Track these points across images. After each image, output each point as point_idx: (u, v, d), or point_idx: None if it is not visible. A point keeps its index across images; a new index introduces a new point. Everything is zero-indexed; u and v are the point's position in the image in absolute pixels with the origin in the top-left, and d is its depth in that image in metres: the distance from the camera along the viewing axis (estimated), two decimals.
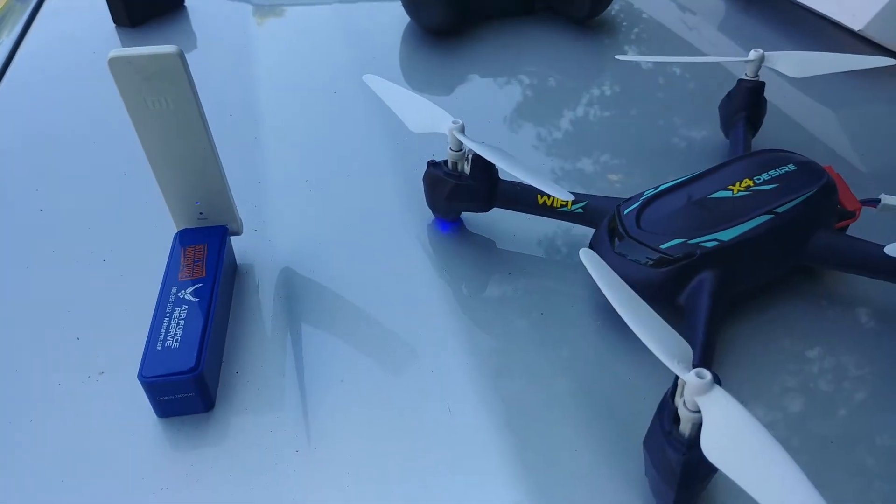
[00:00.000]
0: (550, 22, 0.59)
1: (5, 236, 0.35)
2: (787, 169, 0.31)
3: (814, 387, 0.27)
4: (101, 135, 0.43)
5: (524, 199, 0.33)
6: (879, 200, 0.33)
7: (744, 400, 0.25)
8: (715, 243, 0.28)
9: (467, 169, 0.31)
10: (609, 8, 0.61)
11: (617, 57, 0.41)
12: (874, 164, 0.42)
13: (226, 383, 0.27)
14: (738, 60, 0.40)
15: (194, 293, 0.28)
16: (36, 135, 0.43)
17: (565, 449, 0.25)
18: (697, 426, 0.20)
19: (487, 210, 0.33)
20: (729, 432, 0.18)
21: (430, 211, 0.35)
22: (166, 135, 0.28)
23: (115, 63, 0.26)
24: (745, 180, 0.30)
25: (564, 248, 0.34)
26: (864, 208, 0.32)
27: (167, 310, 0.27)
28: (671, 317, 0.23)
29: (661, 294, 0.28)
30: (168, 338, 0.26)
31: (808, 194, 0.30)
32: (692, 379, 0.19)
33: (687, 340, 0.21)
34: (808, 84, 0.50)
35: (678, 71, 0.52)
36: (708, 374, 0.19)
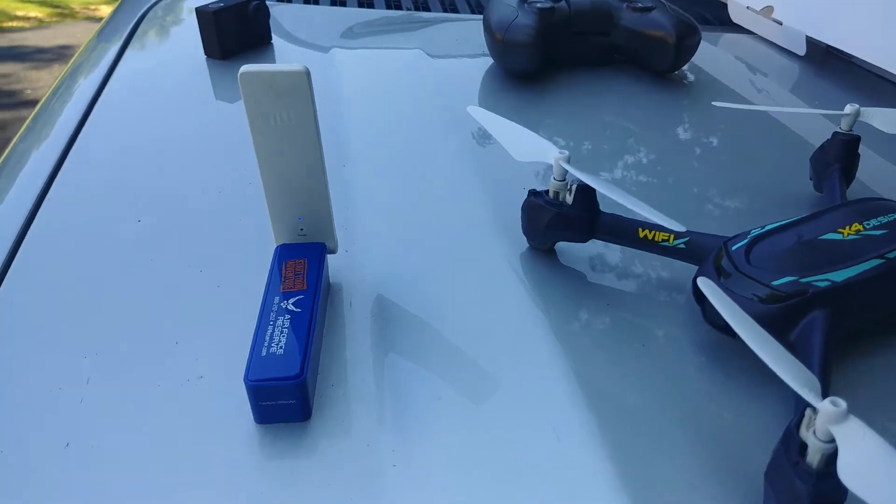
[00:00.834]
0: (630, 72, 0.61)
1: (108, 244, 0.37)
2: (895, 216, 0.32)
3: None
4: (196, 155, 0.46)
5: (625, 231, 0.33)
6: None
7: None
8: (827, 283, 0.28)
9: (569, 199, 0.32)
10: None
11: (714, 103, 0.42)
12: None
13: (322, 395, 0.28)
14: (835, 114, 0.41)
15: (296, 304, 0.29)
16: (131, 153, 0.46)
17: (678, 481, 0.25)
18: (827, 456, 0.20)
19: (585, 241, 0.34)
20: (868, 461, 0.18)
21: (525, 239, 0.36)
22: (282, 150, 0.30)
23: (245, 77, 0.28)
24: (854, 224, 0.31)
25: (661, 284, 0.35)
26: None
27: (270, 318, 0.29)
28: None
29: (772, 331, 0.28)
30: (272, 344, 0.27)
31: None
32: (827, 407, 0.19)
33: None
34: None
35: (761, 122, 0.53)
36: (843, 403, 0.19)
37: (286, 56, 0.63)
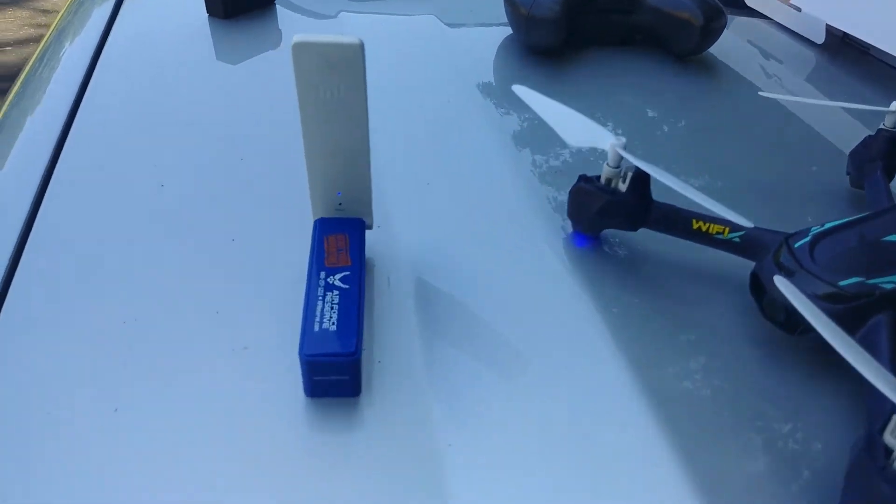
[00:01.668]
0: (651, 54, 0.62)
1: (128, 209, 0.37)
2: None
3: None
4: (209, 121, 0.46)
5: (678, 221, 0.34)
6: None
7: None
8: (893, 285, 0.29)
9: (622, 186, 0.33)
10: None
11: (761, 93, 0.43)
12: None
13: (369, 371, 0.29)
14: (879, 110, 0.42)
15: (343, 280, 0.30)
16: (139, 118, 0.46)
17: (739, 478, 0.26)
18: None
19: (635, 230, 0.35)
20: None
21: (571, 223, 0.37)
22: (328, 123, 0.31)
23: (298, 48, 0.28)
24: None
25: (712, 276, 0.36)
26: None
27: (318, 293, 0.29)
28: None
29: None
30: (324, 320, 0.28)
31: None
32: None
33: None
34: None
35: (787, 112, 0.55)
36: None
37: (291, 18, 0.62)
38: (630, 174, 0.33)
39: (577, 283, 0.35)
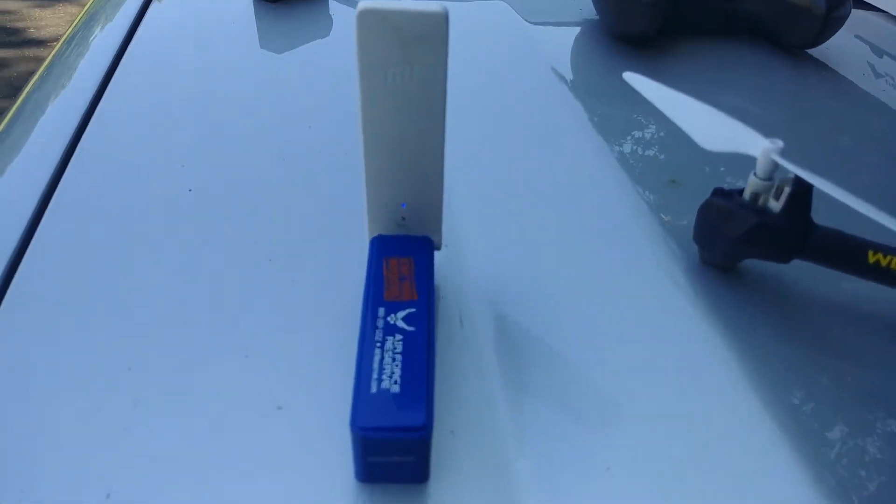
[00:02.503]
0: (756, 46, 0.54)
1: (147, 216, 0.31)
2: None
3: None
4: (250, 116, 0.40)
5: (848, 253, 0.27)
6: None
7: None
8: None
9: (773, 204, 0.26)
10: None
11: None
12: None
13: (440, 447, 0.23)
14: None
15: (407, 320, 0.24)
16: (169, 110, 0.40)
17: None
18: None
19: (788, 261, 0.28)
20: None
21: (700, 249, 0.31)
22: (396, 115, 0.24)
23: (365, 17, 0.22)
24: None
25: (889, 326, 0.29)
26: None
27: (376, 337, 0.23)
28: None
29: None
30: (384, 377, 0.22)
31: None
32: None
33: None
34: None
35: None
36: None
37: (341, 7, 0.57)
38: (787, 189, 0.26)
39: (707, 324, 0.27)
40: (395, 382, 0.21)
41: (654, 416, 0.24)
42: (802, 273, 0.31)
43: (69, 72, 0.45)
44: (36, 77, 0.48)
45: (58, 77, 0.45)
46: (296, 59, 0.47)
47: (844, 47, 0.56)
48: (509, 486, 0.21)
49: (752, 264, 0.31)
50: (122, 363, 0.24)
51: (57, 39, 2.58)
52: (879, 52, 0.57)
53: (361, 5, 0.22)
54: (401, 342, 0.23)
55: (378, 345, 0.23)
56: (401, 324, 0.23)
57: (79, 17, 0.60)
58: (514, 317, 0.28)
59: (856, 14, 0.65)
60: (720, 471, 0.22)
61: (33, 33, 2.60)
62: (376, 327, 0.23)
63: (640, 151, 0.39)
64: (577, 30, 0.54)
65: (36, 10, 2.80)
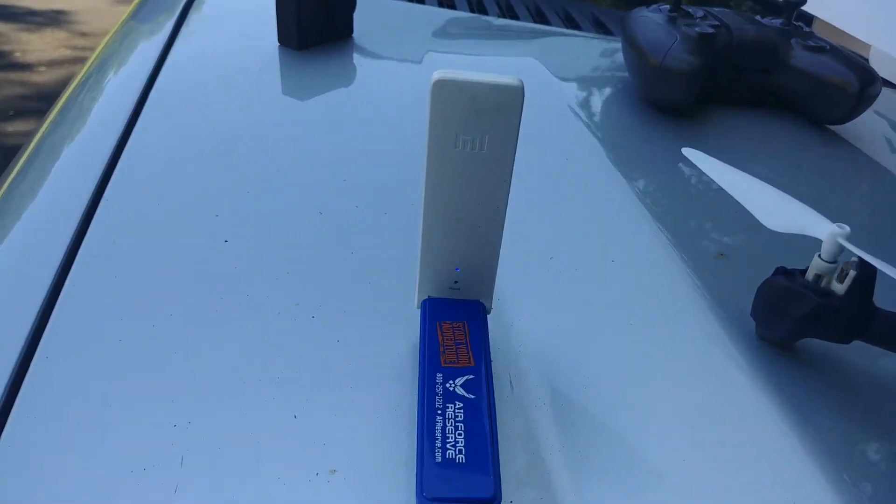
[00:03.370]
0: (789, 119, 0.57)
1: (179, 270, 0.32)
2: None
3: None
4: (283, 168, 0.41)
5: None
6: None
7: None
8: None
9: (837, 286, 0.28)
10: None
11: None
12: None
13: None
14: None
15: (466, 387, 0.24)
16: (197, 158, 0.41)
17: None
18: None
19: (849, 342, 0.29)
20: None
21: (758, 326, 0.32)
22: (461, 182, 0.26)
23: (441, 87, 0.24)
24: None
25: None
26: None
27: (437, 404, 0.23)
28: None
29: None
30: (448, 446, 0.22)
31: None
32: None
33: None
34: None
35: None
36: None
37: (369, 54, 0.59)
38: (852, 272, 0.28)
39: (766, 400, 0.28)
40: (461, 452, 0.22)
41: (712, 494, 0.25)
42: (861, 351, 0.32)
43: (84, 116, 0.46)
44: (48, 121, 0.49)
45: (73, 122, 0.45)
46: (322, 108, 0.48)
47: (868, 122, 0.59)
48: None
49: (809, 341, 0.32)
50: (167, 421, 0.25)
51: (44, 64, 2.61)
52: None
53: (437, 75, 0.24)
54: (461, 410, 0.23)
55: (439, 412, 0.23)
56: (460, 391, 0.24)
57: (90, 61, 0.60)
58: (564, 380, 0.28)
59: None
60: None
61: (19, 57, 2.62)
62: (436, 394, 0.24)
63: (684, 223, 0.40)
64: (609, 91, 0.56)
65: (23, 33, 2.83)
